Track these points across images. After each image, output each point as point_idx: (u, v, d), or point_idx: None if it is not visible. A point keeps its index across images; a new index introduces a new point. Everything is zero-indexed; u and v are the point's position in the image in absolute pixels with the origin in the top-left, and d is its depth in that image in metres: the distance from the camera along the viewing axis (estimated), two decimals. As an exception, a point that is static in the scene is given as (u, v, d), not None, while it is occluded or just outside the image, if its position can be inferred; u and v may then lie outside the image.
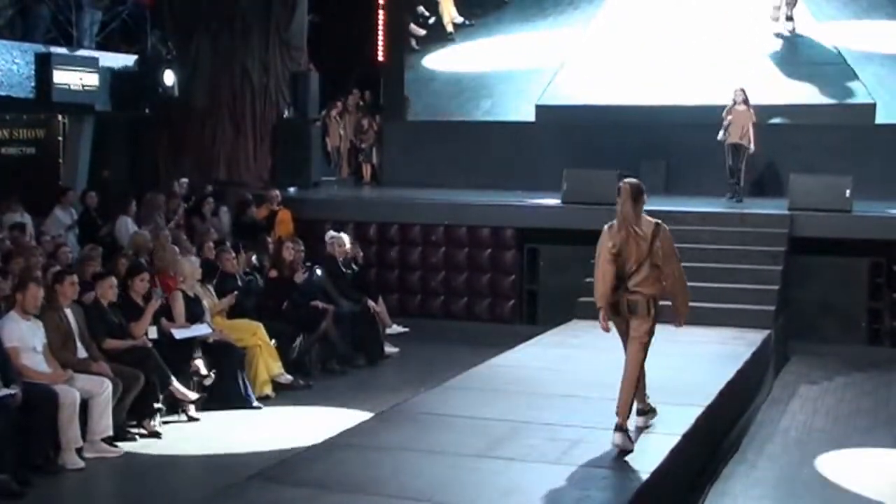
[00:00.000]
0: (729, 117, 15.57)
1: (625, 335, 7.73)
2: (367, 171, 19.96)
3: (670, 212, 14.24)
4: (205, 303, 10.65)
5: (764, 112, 17.28)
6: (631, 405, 7.62)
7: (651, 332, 7.58)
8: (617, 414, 7.50)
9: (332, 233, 13.52)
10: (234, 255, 11.69)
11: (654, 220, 7.61)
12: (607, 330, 7.64)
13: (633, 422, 7.69)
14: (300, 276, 12.12)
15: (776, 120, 17.48)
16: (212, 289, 11.08)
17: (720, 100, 16.21)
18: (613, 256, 7.50)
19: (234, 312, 11.11)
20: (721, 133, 15.56)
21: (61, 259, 11.02)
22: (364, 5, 19.62)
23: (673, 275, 7.63)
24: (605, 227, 7.67)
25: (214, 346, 10.26)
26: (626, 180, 7.78)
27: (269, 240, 13.34)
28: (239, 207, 15.02)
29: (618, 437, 7.44)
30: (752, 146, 15.57)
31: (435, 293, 15.07)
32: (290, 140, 17.71)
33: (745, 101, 15.64)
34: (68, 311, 8.93)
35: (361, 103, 20.16)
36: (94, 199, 14.32)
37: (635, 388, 7.61)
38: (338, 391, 11.17)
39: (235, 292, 11.08)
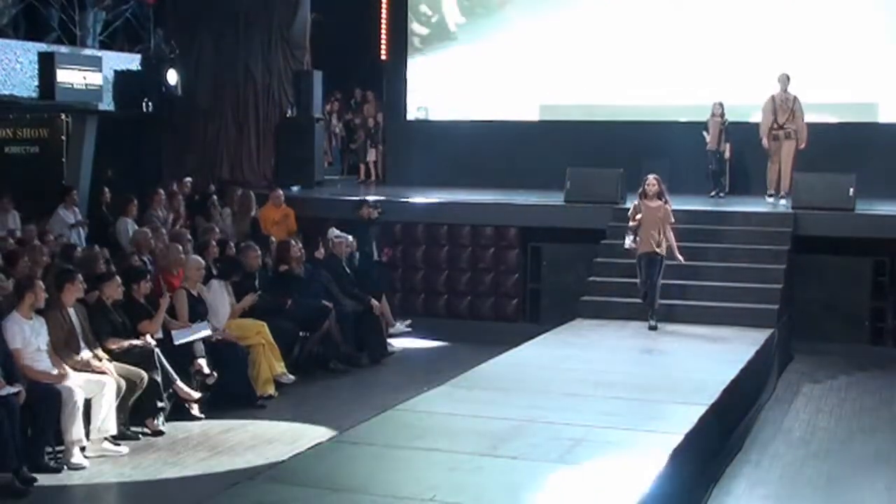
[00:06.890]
0: (638, 216, 11.55)
1: (777, 152, 14.92)
2: (362, 170, 20.01)
3: (672, 210, 14.28)
4: (227, 301, 10.68)
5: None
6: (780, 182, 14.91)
7: (798, 147, 15.00)
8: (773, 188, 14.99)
9: (335, 231, 13.51)
10: (258, 252, 11.69)
11: (793, 95, 15.05)
12: (768, 147, 15.04)
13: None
14: (299, 269, 12.16)
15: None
16: (230, 287, 11.03)
17: (722, 99, 16.22)
18: (771, 106, 15.01)
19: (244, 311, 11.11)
20: (627, 240, 11.70)
21: (73, 260, 11.00)
22: (366, 4, 19.60)
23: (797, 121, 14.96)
24: (768, 97, 15.13)
25: (218, 345, 10.26)
26: (784, 73, 15.23)
27: (273, 239, 13.34)
28: (242, 206, 14.98)
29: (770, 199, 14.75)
30: (678, 256, 11.75)
31: (438, 292, 15.07)
32: (292, 139, 17.71)
33: (660, 195, 11.60)
34: (71, 311, 8.93)
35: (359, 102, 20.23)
36: (108, 195, 14.36)
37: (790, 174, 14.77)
38: (340, 390, 11.19)
39: (259, 292, 11.06)
